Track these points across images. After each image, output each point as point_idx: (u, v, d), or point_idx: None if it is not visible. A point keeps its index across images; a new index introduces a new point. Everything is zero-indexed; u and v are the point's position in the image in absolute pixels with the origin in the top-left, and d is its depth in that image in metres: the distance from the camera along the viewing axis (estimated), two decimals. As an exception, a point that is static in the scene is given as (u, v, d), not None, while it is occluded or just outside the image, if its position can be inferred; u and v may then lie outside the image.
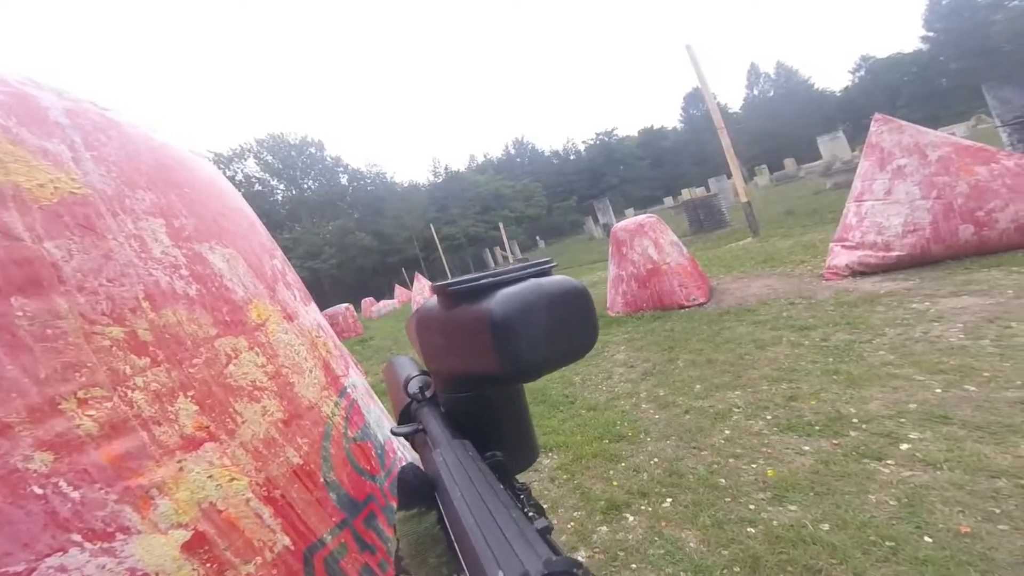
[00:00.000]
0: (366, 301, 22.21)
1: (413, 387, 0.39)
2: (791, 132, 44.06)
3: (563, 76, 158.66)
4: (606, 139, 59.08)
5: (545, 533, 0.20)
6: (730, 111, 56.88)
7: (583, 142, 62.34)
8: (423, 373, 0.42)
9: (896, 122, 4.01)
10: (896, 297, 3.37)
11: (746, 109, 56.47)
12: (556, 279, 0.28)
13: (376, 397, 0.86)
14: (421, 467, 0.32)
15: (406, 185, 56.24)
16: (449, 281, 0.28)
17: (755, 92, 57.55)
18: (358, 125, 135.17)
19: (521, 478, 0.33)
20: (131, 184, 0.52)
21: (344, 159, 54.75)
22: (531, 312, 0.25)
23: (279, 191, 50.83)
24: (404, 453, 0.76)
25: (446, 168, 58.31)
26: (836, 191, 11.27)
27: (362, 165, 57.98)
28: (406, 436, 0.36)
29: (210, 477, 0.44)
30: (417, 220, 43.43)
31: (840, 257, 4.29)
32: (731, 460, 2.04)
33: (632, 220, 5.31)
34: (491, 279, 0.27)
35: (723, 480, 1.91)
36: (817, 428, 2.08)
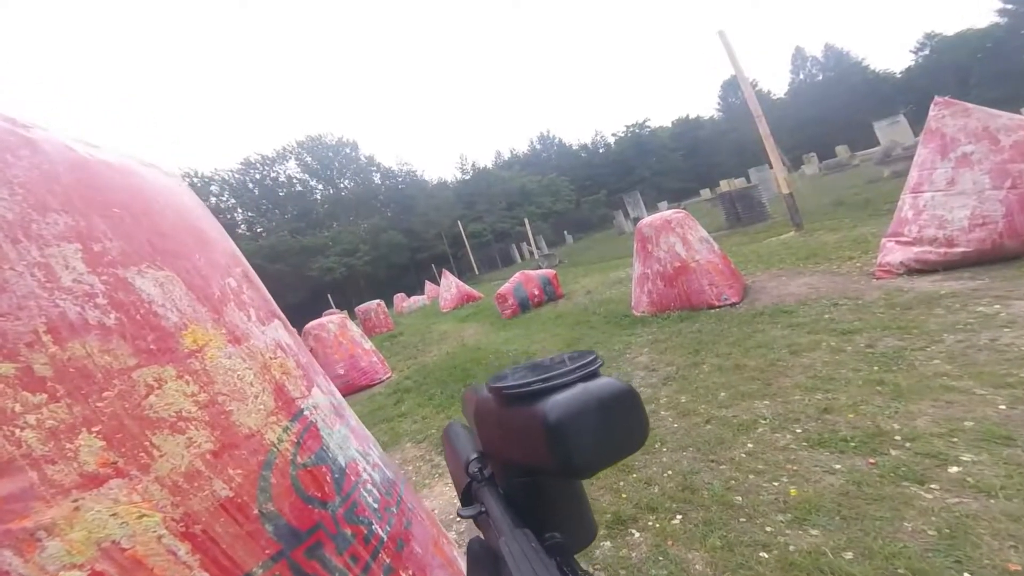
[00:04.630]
0: (397, 297, 22.82)
1: (473, 467, 0.41)
2: (843, 118, 40.89)
3: (590, 68, 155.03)
4: (637, 131, 57.29)
5: None
6: (773, 97, 53.77)
7: (612, 135, 60.85)
8: (481, 454, 0.44)
9: (960, 105, 3.59)
10: (959, 298, 3.03)
11: (791, 95, 53.11)
12: (603, 382, 0.29)
13: (348, 415, 0.84)
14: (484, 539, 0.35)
15: (435, 183, 57.24)
16: (502, 384, 0.30)
17: (801, 76, 53.98)
18: (389, 123, 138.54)
19: None
20: (41, 207, 0.49)
21: (377, 158, 56.38)
22: (582, 416, 0.27)
23: (318, 191, 53.14)
24: (370, 474, 0.74)
25: (473, 165, 58.79)
26: (895, 180, 10.34)
27: (394, 164, 59.57)
28: (471, 518, 0.38)
29: (114, 515, 0.42)
30: (445, 217, 44.20)
31: (893, 253, 3.92)
32: (751, 476, 1.90)
33: (658, 216, 5.09)
34: (541, 384, 0.29)
35: (740, 498, 1.78)
36: (852, 445, 1.90)
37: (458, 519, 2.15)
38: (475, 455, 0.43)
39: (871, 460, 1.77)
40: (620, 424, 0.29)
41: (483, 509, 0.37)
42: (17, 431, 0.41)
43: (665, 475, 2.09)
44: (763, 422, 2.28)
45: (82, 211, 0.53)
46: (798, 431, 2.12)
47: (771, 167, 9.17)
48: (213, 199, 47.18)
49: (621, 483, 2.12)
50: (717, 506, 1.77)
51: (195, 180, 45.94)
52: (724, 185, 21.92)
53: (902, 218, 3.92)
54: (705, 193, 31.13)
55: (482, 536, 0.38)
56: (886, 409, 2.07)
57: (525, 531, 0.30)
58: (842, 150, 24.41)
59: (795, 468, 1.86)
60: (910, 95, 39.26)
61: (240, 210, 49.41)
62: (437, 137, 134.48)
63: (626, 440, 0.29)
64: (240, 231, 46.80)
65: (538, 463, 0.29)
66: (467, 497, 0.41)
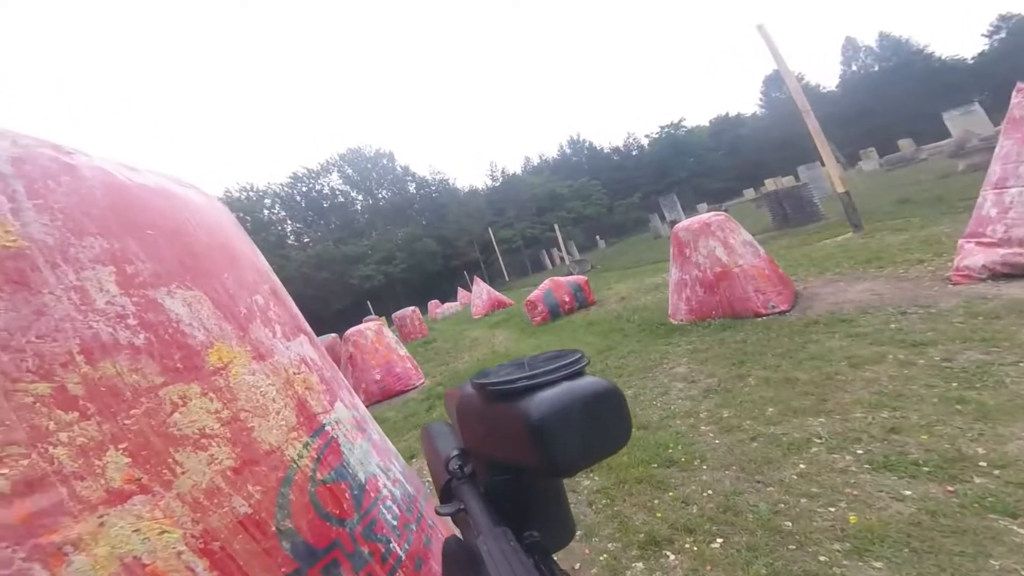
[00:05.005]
0: (432, 303, 23.37)
1: (453, 464, 0.41)
2: (905, 109, 37.69)
3: (619, 70, 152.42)
4: (672, 131, 55.74)
5: None
6: (823, 91, 50.67)
7: (646, 136, 59.52)
8: (462, 451, 0.44)
9: (1050, 87, 3.19)
10: (1060, 307, 2.66)
11: (843, 87, 49.78)
12: (588, 381, 0.29)
13: (371, 428, 0.84)
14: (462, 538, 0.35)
15: (466, 190, 58.47)
16: (486, 380, 0.30)
17: (853, 68, 50.61)
18: (423, 132, 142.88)
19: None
20: (79, 231, 0.51)
21: (412, 167, 58.49)
22: (566, 414, 0.27)
23: (358, 201, 55.78)
24: (391, 490, 0.73)
25: (503, 171, 59.60)
26: (972, 173, 9.32)
27: (427, 173, 61.35)
28: (449, 515, 0.38)
29: (136, 531, 0.44)
30: (476, 224, 45.01)
31: (974, 256, 3.51)
32: (803, 500, 1.74)
33: (696, 219, 4.88)
34: (526, 381, 0.28)
35: (789, 523, 1.64)
36: (926, 469, 1.69)
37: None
38: (456, 452, 0.42)
39: (949, 488, 1.57)
40: (604, 423, 0.28)
41: (462, 507, 0.36)
42: (50, 448, 0.43)
43: (704, 495, 1.96)
44: (818, 441, 2.09)
45: (117, 234, 0.55)
46: (859, 452, 1.92)
47: (823, 164, 8.57)
48: (266, 212, 50.79)
49: (656, 501, 2.01)
50: (763, 531, 1.63)
51: (251, 194, 49.69)
52: (770, 184, 20.79)
53: (983, 217, 3.51)
54: (748, 193, 29.64)
55: (459, 534, 0.37)
56: (968, 431, 1.83)
57: (504, 529, 0.30)
58: (906, 143, 22.47)
59: (855, 493, 1.69)
60: (984, 82, 35.53)
61: (290, 222, 52.84)
62: (468, 145, 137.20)
63: (610, 439, 0.29)
64: (290, 241, 50.00)
65: (521, 461, 0.29)
66: (446, 494, 0.40)
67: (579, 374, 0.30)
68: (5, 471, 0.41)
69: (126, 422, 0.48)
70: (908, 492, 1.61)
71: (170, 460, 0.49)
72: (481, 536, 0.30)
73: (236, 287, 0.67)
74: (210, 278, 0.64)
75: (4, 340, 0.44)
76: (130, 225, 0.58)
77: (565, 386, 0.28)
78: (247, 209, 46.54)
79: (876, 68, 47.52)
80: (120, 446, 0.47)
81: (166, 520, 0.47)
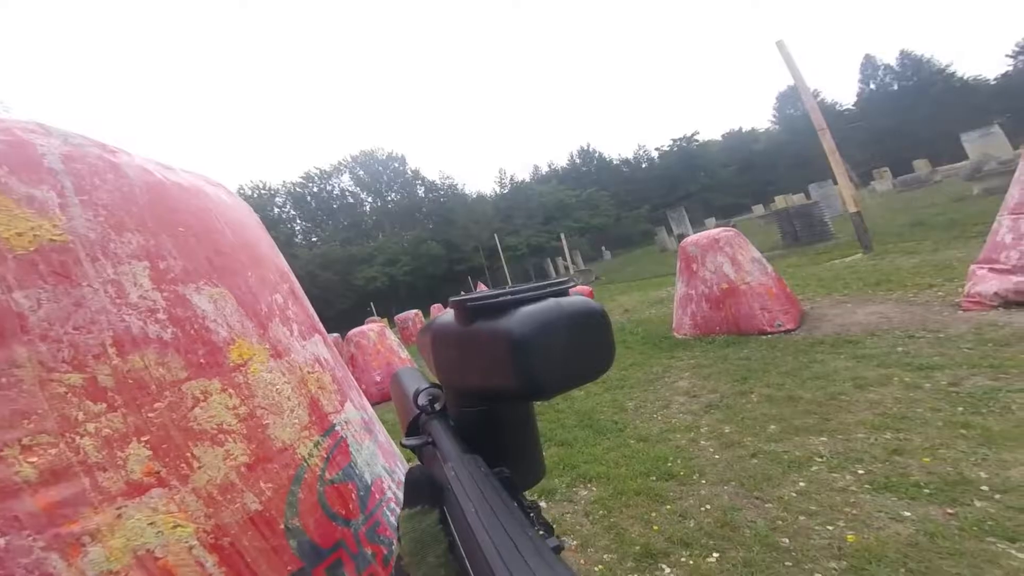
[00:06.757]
0: (435, 307, 23.37)
1: (423, 399, 0.39)
2: (923, 129, 37.44)
3: (633, 81, 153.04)
4: (684, 144, 55.69)
5: (557, 552, 0.20)
6: (840, 108, 50.39)
7: (656, 149, 59.51)
8: (433, 386, 0.42)
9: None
10: (1071, 336, 2.64)
11: (860, 105, 49.48)
12: (575, 299, 0.28)
13: (377, 430, 0.85)
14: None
15: (474, 196, 58.65)
16: (467, 296, 0.28)
17: (872, 87, 50.30)
18: (434, 137, 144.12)
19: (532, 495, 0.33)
20: (119, 227, 0.53)
21: (422, 171, 58.82)
22: (550, 331, 0.25)
23: (367, 203, 56.30)
24: (395, 492, 0.74)
25: (511, 179, 59.88)
26: (987, 198, 9.22)
27: (436, 177, 61.70)
28: (414, 448, 0.37)
29: (151, 524, 0.45)
30: (483, 230, 45.07)
31: (987, 283, 3.47)
32: (801, 518, 1.73)
33: (705, 234, 4.87)
34: (510, 296, 0.27)
35: (786, 540, 1.64)
36: (927, 492, 1.69)
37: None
38: (426, 386, 0.41)
39: (949, 510, 1.57)
40: (589, 344, 0.27)
41: (429, 439, 0.35)
42: (77, 438, 0.44)
43: (702, 509, 1.95)
44: (819, 460, 2.08)
45: (153, 230, 0.57)
46: (860, 472, 1.92)
47: (835, 183, 8.54)
48: (276, 210, 51.38)
49: (653, 514, 2.00)
50: (760, 547, 1.63)
51: (263, 192, 50.33)
52: (780, 201, 20.71)
53: (998, 242, 3.47)
54: (758, 210, 29.53)
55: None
56: (971, 455, 1.83)
57: (475, 457, 0.29)
58: (921, 164, 22.24)
59: (855, 512, 1.69)
60: (1006, 104, 35.10)
61: (299, 220, 53.42)
62: (478, 151, 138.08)
63: (593, 362, 0.27)
64: (298, 240, 50.49)
65: (498, 383, 0.27)
66: (414, 429, 0.39)
67: (564, 293, 0.28)
68: (34, 459, 0.42)
69: (150, 415, 0.49)
70: (908, 513, 1.61)
71: (188, 454, 0.50)
72: (450, 463, 0.29)
73: (259, 286, 0.68)
74: (235, 276, 0.65)
75: (44, 330, 0.45)
76: (165, 223, 0.59)
77: (552, 302, 0.26)
78: (258, 206, 47.04)
79: (895, 87, 47.17)
80: (143, 439, 0.48)
81: (180, 514, 0.47)
